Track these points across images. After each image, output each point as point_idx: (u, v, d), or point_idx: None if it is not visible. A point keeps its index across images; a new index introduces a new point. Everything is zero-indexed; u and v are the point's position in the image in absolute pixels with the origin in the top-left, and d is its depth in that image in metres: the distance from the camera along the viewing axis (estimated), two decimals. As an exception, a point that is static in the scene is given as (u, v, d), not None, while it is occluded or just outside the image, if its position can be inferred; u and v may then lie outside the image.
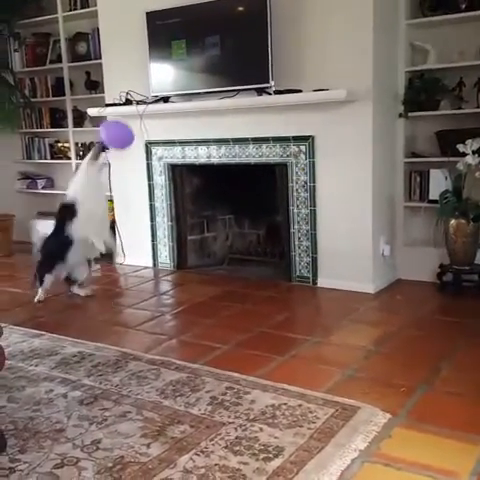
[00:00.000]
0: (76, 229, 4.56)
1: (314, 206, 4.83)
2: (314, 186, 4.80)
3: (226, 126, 5.11)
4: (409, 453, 2.39)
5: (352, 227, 4.68)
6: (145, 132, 5.43)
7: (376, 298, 4.63)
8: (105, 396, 3.00)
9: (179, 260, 5.72)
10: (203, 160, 5.34)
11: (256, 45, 4.63)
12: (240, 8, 4.78)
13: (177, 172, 5.61)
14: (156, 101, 5.28)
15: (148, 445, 2.50)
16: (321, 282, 4.91)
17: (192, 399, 2.93)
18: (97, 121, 6.17)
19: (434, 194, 4.72)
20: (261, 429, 2.60)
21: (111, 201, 6.07)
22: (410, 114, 4.78)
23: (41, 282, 4.70)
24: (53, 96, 6.81)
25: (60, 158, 6.99)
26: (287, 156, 4.88)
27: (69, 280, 4.87)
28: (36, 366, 3.43)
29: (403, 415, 2.72)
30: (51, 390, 3.09)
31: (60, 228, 4.64)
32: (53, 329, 4.06)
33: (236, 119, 5.03)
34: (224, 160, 5.22)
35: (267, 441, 2.50)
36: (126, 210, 5.86)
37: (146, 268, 5.77)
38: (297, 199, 4.90)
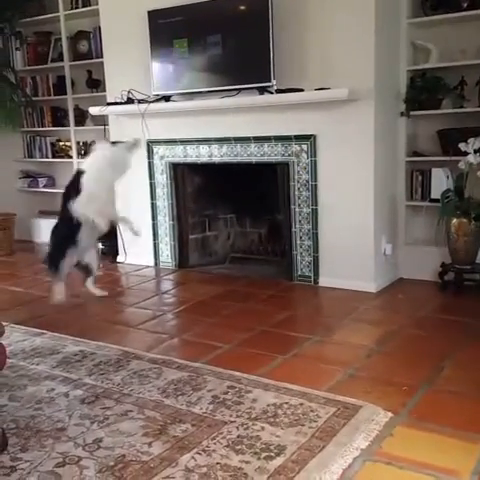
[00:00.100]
0: (77, 207, 4.50)
1: (316, 205, 4.83)
2: (316, 185, 4.79)
3: (228, 125, 5.10)
4: (411, 452, 2.39)
5: (354, 226, 4.68)
6: (147, 131, 5.43)
7: (378, 297, 4.62)
8: (106, 395, 3.00)
9: (181, 259, 5.72)
10: (205, 159, 5.34)
11: (258, 44, 4.62)
12: (242, 7, 4.77)
13: (179, 171, 5.61)
14: (158, 100, 5.28)
15: (150, 444, 2.50)
16: (323, 281, 4.91)
17: (194, 398, 2.92)
18: (98, 120, 6.20)
19: (436, 193, 4.72)
20: (263, 428, 2.60)
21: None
22: (412, 113, 4.77)
23: (57, 271, 4.62)
24: (54, 95, 6.82)
25: (61, 157, 6.99)
26: (289, 155, 4.88)
27: (84, 269, 4.80)
28: (37, 365, 3.43)
29: (405, 414, 2.71)
30: (52, 389, 3.09)
31: (66, 207, 4.57)
32: (54, 328, 4.06)
33: (238, 118, 5.03)
34: (226, 159, 5.22)
35: (269, 440, 2.50)
36: (127, 209, 5.85)
37: (147, 267, 5.77)
38: (299, 198, 4.90)
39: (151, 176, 5.68)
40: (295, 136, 4.81)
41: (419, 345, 3.61)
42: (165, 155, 5.56)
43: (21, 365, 3.43)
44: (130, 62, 5.50)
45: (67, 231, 4.58)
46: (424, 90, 4.69)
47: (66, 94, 6.63)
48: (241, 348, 3.63)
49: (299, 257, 5.00)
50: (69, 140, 6.84)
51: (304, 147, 4.79)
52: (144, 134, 5.43)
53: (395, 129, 4.84)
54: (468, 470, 2.26)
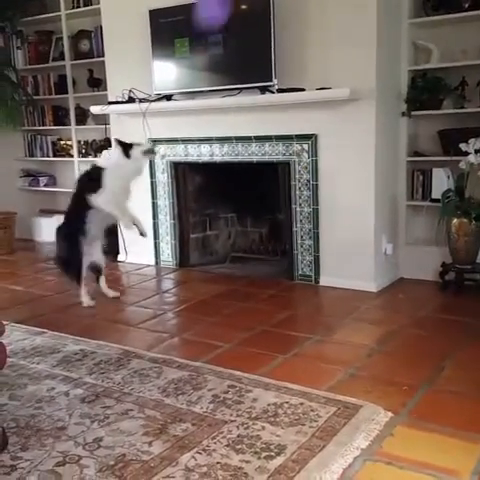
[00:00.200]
0: (98, 201, 4.43)
1: (317, 205, 4.83)
2: (317, 185, 4.79)
3: (229, 124, 5.10)
4: (411, 452, 2.39)
5: (354, 226, 4.68)
6: (148, 130, 5.43)
7: (378, 297, 4.62)
8: (107, 394, 3.00)
9: (181, 258, 5.72)
10: (206, 158, 5.34)
11: (259, 43, 4.62)
12: (243, 6, 4.77)
13: (180, 170, 5.61)
14: (159, 99, 5.28)
15: (150, 443, 2.50)
16: (323, 280, 4.91)
17: (194, 397, 2.93)
18: (99, 119, 6.20)
19: (436, 193, 4.72)
20: (263, 427, 2.60)
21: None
22: (413, 113, 4.77)
23: (79, 275, 4.57)
24: (56, 94, 6.82)
25: (62, 156, 6.99)
26: (290, 154, 4.88)
27: (94, 269, 4.75)
28: (38, 364, 3.43)
29: (405, 414, 2.72)
30: (53, 388, 3.09)
31: (80, 198, 4.53)
32: (55, 327, 4.06)
33: (239, 117, 5.03)
34: (227, 158, 5.22)
35: (269, 439, 2.50)
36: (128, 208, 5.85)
37: (148, 266, 5.78)
38: (300, 197, 4.90)
39: (152, 175, 5.68)
40: (296, 135, 4.81)
41: (420, 345, 3.61)
42: (166, 154, 5.56)
43: (21, 364, 3.43)
44: (131, 61, 5.50)
45: (77, 222, 4.51)
46: (425, 90, 4.69)
47: (67, 93, 6.63)
48: (242, 347, 3.63)
49: (300, 256, 5.00)
50: (70, 139, 6.84)
51: (305, 147, 4.79)
52: (145, 133, 5.44)
53: (396, 129, 4.84)
54: (468, 470, 2.26)
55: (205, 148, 5.31)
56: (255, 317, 4.18)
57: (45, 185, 7.22)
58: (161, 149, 5.56)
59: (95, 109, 5.69)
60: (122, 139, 4.56)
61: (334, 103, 4.54)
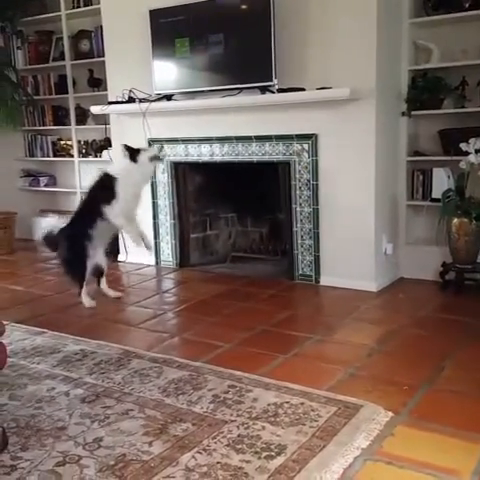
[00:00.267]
0: (111, 213, 4.48)
1: (317, 204, 4.82)
2: (317, 184, 4.79)
3: (229, 124, 5.10)
4: (411, 451, 2.39)
5: (355, 226, 4.68)
6: (148, 130, 5.43)
7: (378, 296, 4.62)
8: (107, 394, 3.00)
9: (182, 258, 5.72)
10: (206, 158, 5.34)
11: (259, 43, 4.62)
12: (244, 6, 4.78)
13: (180, 170, 5.61)
14: (159, 99, 5.27)
15: (150, 443, 2.50)
16: (324, 280, 4.91)
17: (194, 397, 2.92)
18: (100, 119, 6.20)
19: (437, 193, 4.72)
20: (263, 427, 2.60)
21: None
22: (413, 113, 4.77)
23: (82, 279, 4.58)
24: (56, 94, 6.82)
25: (62, 156, 6.99)
26: (290, 154, 4.88)
27: (96, 270, 4.74)
28: (38, 364, 3.43)
29: (405, 413, 2.71)
30: (53, 388, 3.09)
31: (91, 207, 4.55)
32: (55, 327, 4.06)
33: (239, 117, 5.03)
34: (227, 158, 5.22)
35: (269, 439, 2.50)
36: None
37: (148, 266, 5.78)
38: (300, 197, 4.90)
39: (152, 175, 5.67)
40: (296, 135, 4.81)
41: (420, 344, 3.61)
42: (166, 154, 5.55)
43: (21, 364, 3.43)
44: (131, 61, 5.50)
45: (84, 229, 4.52)
46: (425, 90, 4.69)
47: (67, 93, 6.63)
48: (242, 347, 3.63)
49: (300, 256, 5.00)
50: (70, 139, 6.84)
51: (305, 146, 4.79)
52: (145, 133, 5.44)
53: (396, 129, 4.84)
54: (469, 470, 2.26)
55: (205, 148, 5.31)
56: (255, 317, 4.18)
57: (45, 185, 7.22)
58: (163, 150, 5.55)
59: (95, 109, 5.69)
60: (129, 144, 4.58)
61: (334, 103, 4.54)
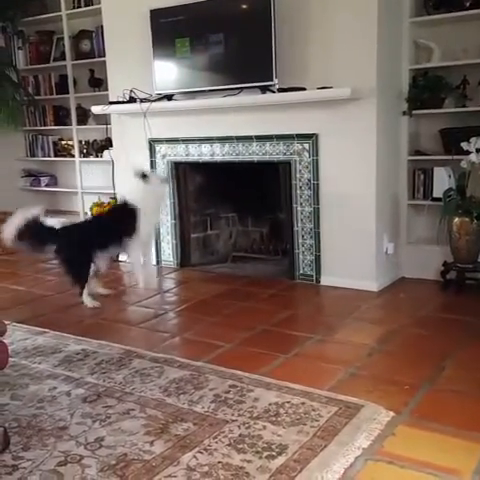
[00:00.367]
0: (134, 246, 4.65)
1: (317, 204, 4.82)
2: (317, 184, 4.79)
3: (230, 124, 5.10)
4: (412, 451, 2.39)
5: (355, 225, 4.68)
6: (149, 130, 5.43)
7: (379, 296, 4.62)
8: (108, 394, 3.00)
9: (182, 258, 5.72)
10: (206, 158, 5.34)
11: (260, 43, 4.62)
12: (244, 6, 4.78)
13: (180, 170, 5.61)
14: (160, 99, 5.27)
15: (151, 443, 2.50)
16: (324, 280, 4.91)
17: (195, 397, 2.93)
18: (100, 119, 6.20)
19: (438, 192, 4.72)
20: (264, 427, 2.60)
21: (115, 199, 6.08)
22: (414, 112, 4.77)
23: (85, 282, 4.60)
24: (57, 94, 6.83)
25: (64, 156, 7.00)
26: (291, 154, 4.88)
27: (94, 273, 4.75)
28: (39, 364, 3.43)
29: (406, 413, 2.72)
30: (54, 388, 3.09)
31: (110, 232, 4.65)
32: (56, 326, 4.06)
33: (240, 117, 5.03)
34: (227, 158, 5.22)
35: (270, 439, 2.50)
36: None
37: (149, 266, 5.78)
38: (300, 197, 4.90)
39: (153, 175, 5.68)
40: (297, 135, 4.81)
41: (421, 344, 3.61)
42: (167, 154, 5.55)
43: (23, 364, 3.43)
44: (132, 61, 5.50)
45: (92, 248, 4.57)
46: (426, 89, 4.69)
47: (68, 93, 6.63)
48: (243, 347, 3.63)
49: (301, 256, 5.00)
50: (71, 139, 6.84)
51: (306, 146, 4.79)
52: (146, 133, 5.44)
53: (397, 128, 4.84)
54: (470, 469, 2.26)
55: (206, 148, 5.31)
56: (256, 317, 4.18)
57: (46, 185, 7.22)
58: (162, 149, 5.55)
59: (96, 109, 5.69)
60: (139, 169, 4.77)
61: (335, 102, 4.53)
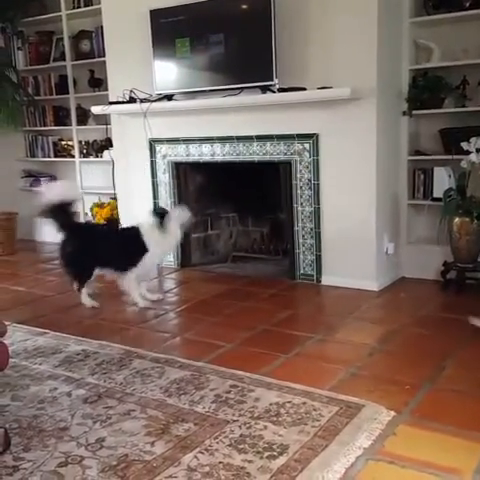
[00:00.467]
0: (128, 280, 4.56)
1: (318, 204, 4.83)
2: (318, 184, 4.79)
3: (230, 124, 5.10)
4: (413, 451, 2.39)
5: (356, 225, 4.68)
6: (149, 130, 5.44)
7: (380, 296, 4.62)
8: (109, 394, 3.00)
9: (183, 258, 5.72)
10: (207, 158, 5.34)
11: (260, 43, 4.62)
12: (244, 6, 4.77)
13: (181, 170, 5.61)
14: (160, 99, 5.27)
15: (152, 443, 2.50)
16: (325, 280, 4.91)
17: (196, 397, 2.93)
18: (100, 119, 6.20)
19: (438, 192, 4.72)
20: (265, 427, 2.60)
21: (115, 199, 6.09)
22: (414, 112, 4.77)
23: (85, 283, 4.61)
24: (56, 94, 6.82)
25: (64, 156, 6.99)
26: (291, 154, 4.88)
27: None
28: (40, 364, 3.43)
29: (407, 413, 2.72)
30: (55, 388, 3.09)
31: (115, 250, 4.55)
32: (57, 327, 4.06)
33: (240, 117, 5.03)
34: (228, 158, 5.22)
35: (271, 439, 2.50)
36: (130, 208, 5.86)
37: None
38: (301, 197, 4.90)
39: (153, 175, 5.68)
40: (297, 135, 4.81)
41: (421, 344, 3.61)
42: (167, 154, 5.55)
43: (23, 365, 3.43)
44: (132, 61, 5.49)
45: (96, 254, 4.54)
46: (426, 89, 4.69)
47: (68, 93, 6.63)
48: (243, 347, 3.63)
49: (301, 256, 5.00)
50: (71, 139, 6.84)
51: (306, 146, 4.79)
52: (146, 133, 5.44)
53: (397, 128, 4.84)
54: (470, 469, 2.26)
55: (206, 148, 5.31)
56: (257, 317, 4.18)
57: (46, 185, 7.22)
58: (162, 149, 5.55)
59: (96, 109, 5.68)
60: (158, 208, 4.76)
61: (335, 102, 4.53)
